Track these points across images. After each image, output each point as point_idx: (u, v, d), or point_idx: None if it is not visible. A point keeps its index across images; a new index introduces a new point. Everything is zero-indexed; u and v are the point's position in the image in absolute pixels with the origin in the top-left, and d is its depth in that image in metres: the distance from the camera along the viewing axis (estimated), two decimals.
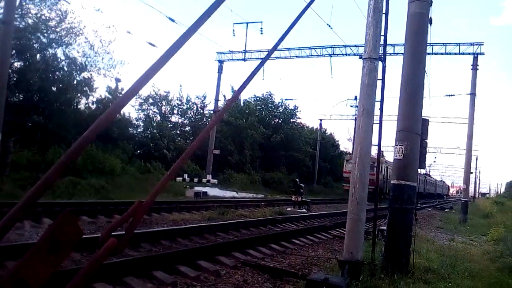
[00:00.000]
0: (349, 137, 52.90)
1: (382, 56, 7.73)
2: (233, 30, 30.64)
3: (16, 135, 21.01)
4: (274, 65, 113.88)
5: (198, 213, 15.06)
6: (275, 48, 2.01)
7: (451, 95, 37.74)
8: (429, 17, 8.00)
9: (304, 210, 20.03)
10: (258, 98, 50.38)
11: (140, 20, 73.52)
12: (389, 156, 41.87)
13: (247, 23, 29.95)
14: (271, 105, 51.09)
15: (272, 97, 51.06)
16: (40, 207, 12.08)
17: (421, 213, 26.40)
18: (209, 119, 39.69)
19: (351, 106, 45.34)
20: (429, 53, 8.84)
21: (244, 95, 47.68)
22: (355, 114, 46.53)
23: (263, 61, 1.84)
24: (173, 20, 22.64)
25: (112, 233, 1.11)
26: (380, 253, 7.83)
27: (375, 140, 7.77)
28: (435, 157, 70.30)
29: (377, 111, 7.59)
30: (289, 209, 19.81)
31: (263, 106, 50.55)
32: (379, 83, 7.53)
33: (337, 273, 6.97)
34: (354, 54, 29.54)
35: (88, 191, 18.09)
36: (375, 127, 7.53)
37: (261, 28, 29.23)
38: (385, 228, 8.85)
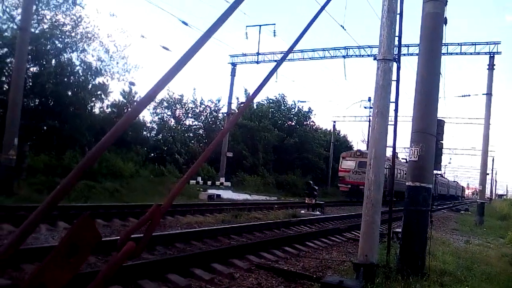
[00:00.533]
0: (363, 139, 52.63)
1: (397, 57, 7.67)
2: (246, 33, 30.75)
3: (31, 139, 21.26)
4: (287, 67, 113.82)
5: (212, 216, 15.08)
6: (289, 51, 2.01)
7: (467, 96, 37.33)
8: (444, 17, 7.92)
9: (318, 212, 19.95)
10: (271, 100, 50.38)
11: (154, 24, 74.04)
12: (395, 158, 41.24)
13: (260, 25, 30.01)
14: (284, 107, 51.04)
15: (285, 99, 51.04)
16: (55, 211, 12.22)
17: (436, 215, 26.14)
18: (223, 122, 39.77)
19: (365, 107, 45.13)
20: (444, 53, 8.76)
21: (257, 98, 47.69)
22: (369, 116, 46.20)
23: (277, 65, 1.84)
24: (186, 24, 22.78)
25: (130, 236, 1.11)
26: (395, 256, 7.76)
27: (389, 141, 7.72)
28: (450, 158, 69.55)
29: (391, 112, 7.54)
30: (303, 211, 19.74)
31: (276, 108, 50.52)
32: (393, 84, 7.48)
33: (352, 276, 6.93)
34: (368, 55, 29.39)
35: (103, 195, 18.23)
36: (390, 129, 7.48)
37: (274, 31, 29.28)
38: (399, 230, 8.78)
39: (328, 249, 11.07)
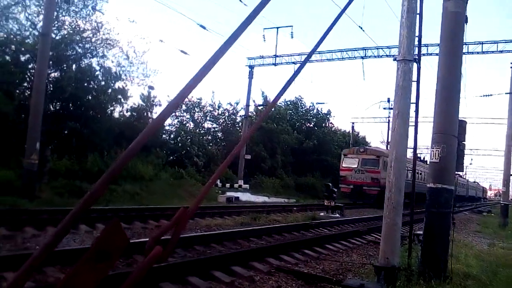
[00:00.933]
0: (382, 140, 52.13)
1: (417, 57, 7.59)
2: (263, 35, 30.76)
3: (53, 143, 21.59)
4: (305, 69, 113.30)
5: (231, 218, 15.12)
6: (310, 55, 2.00)
7: (489, 95, 36.64)
8: (465, 15, 7.80)
9: (337, 215, 19.82)
10: (288, 103, 50.31)
11: (172, 29, 74.68)
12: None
13: (277, 27, 30.03)
14: (301, 109, 50.91)
15: (302, 101, 50.92)
16: None
17: (457, 216, 25.72)
18: (240, 124, 39.86)
19: (384, 108, 44.72)
20: (464, 53, 8.63)
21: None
22: (388, 117, 45.72)
23: (298, 69, 1.83)
24: (204, 27, 22.91)
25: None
26: (417, 259, 7.65)
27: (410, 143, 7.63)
28: (471, 159, 68.32)
29: (412, 113, 7.45)
30: (322, 214, 19.64)
31: (293, 110, 50.42)
32: (413, 84, 7.40)
33: (373, 279, 6.86)
34: (387, 56, 29.15)
35: (123, 198, 18.41)
36: (410, 130, 7.40)
37: (291, 32, 29.38)
38: (420, 232, 8.66)
39: (348, 251, 10.98)
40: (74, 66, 24.44)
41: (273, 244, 10.27)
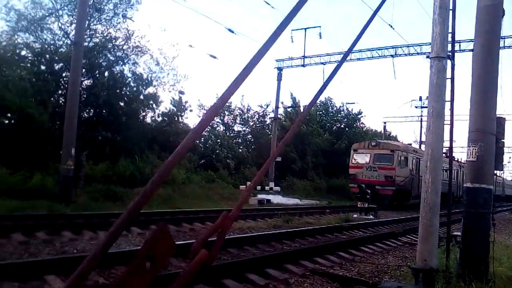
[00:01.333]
0: (415, 139, 51.19)
1: (451, 54, 7.40)
2: (291, 36, 30.69)
3: (87, 149, 22.08)
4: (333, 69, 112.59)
5: (263, 221, 15.10)
6: (345, 57, 1.97)
7: None
8: (502, 9, 7.56)
9: (371, 216, 19.55)
10: (318, 104, 49.99)
11: (201, 33, 75.42)
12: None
13: (305, 28, 29.92)
14: (331, 110, 50.52)
15: (332, 101, 50.53)
16: (112, 218, 12.61)
17: (497, 217, 24.95)
18: (270, 126, 39.87)
19: (416, 107, 43.98)
20: (501, 47, 8.37)
21: (304, 101, 47.49)
22: (421, 115, 44.90)
23: (336, 69, 1.80)
24: (232, 31, 23.03)
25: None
26: (455, 260, 7.45)
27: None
28: (510, 157, 66.12)
29: (447, 112, 7.27)
30: (355, 215, 19.40)
31: (323, 111, 50.09)
32: (448, 82, 7.22)
33: (410, 281, 6.72)
34: (418, 54, 28.62)
35: (157, 201, 18.64)
36: (446, 129, 7.22)
37: (320, 33, 29.10)
38: (458, 233, 8.44)
39: (384, 253, 10.80)
40: (106, 73, 25.00)
41: (307, 246, 10.21)
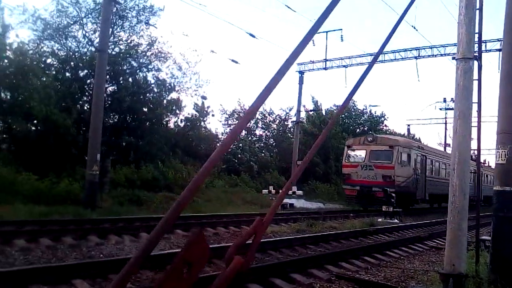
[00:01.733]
0: (440, 142, 50.34)
1: (477, 55, 7.25)
2: (313, 40, 30.54)
3: (112, 154, 22.40)
4: (356, 72, 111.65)
5: (286, 225, 15.05)
6: (374, 61, 1.94)
7: None
8: None
9: (396, 220, 19.27)
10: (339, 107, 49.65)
11: (223, 38, 75.90)
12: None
13: (326, 32, 29.74)
14: (354, 113, 50.14)
15: (355, 104, 50.14)
16: (137, 222, 12.76)
17: None
18: (292, 130, 39.79)
19: (440, 109, 43.31)
20: None
21: (326, 105, 47.29)
22: (445, 117, 44.22)
23: (366, 71, 1.77)
24: (253, 36, 23.08)
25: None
26: (485, 265, 7.27)
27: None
28: None
29: (474, 113, 7.12)
30: (380, 219, 19.14)
31: (346, 114, 49.77)
32: (475, 83, 7.07)
33: (438, 287, 6.59)
34: (441, 55, 28.16)
35: None
36: (473, 131, 7.06)
37: (341, 36, 28.91)
38: (487, 238, 8.24)
39: (410, 258, 10.64)
40: (130, 79, 25.34)
41: (332, 251, 10.12)
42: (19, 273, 6.08)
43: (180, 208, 0.96)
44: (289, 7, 24.46)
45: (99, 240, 9.94)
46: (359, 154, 25.06)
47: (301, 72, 33.37)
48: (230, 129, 38.61)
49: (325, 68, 31.56)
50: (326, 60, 30.99)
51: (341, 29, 29.42)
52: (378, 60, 29.65)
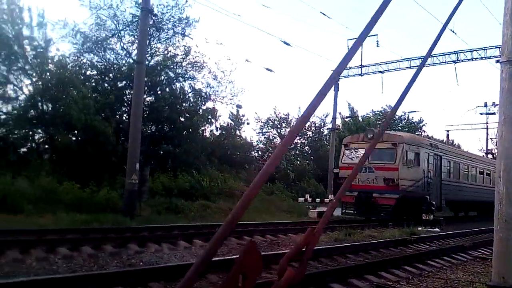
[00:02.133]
0: (481, 148, 48.84)
1: None
2: (348, 46, 30.37)
3: (150, 163, 22.80)
4: (393, 77, 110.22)
5: (324, 234, 14.83)
6: (423, 63, 1.88)
7: None
8: None
9: (436, 229, 18.72)
10: (377, 113, 49.01)
11: (257, 47, 76.25)
12: None
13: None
14: (391, 119, 49.30)
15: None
16: (176, 230, 12.88)
17: None
18: (328, 137, 39.48)
19: (481, 113, 42.03)
20: None
21: (362, 111, 46.73)
22: (486, 122, 42.87)
23: (415, 75, 1.72)
24: (288, 44, 23.09)
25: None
26: None
27: None
28: None
29: None
30: (420, 228, 18.63)
31: (383, 120, 48.99)
32: None
33: None
34: (482, 58, 27.38)
35: (218, 214, 18.91)
36: None
37: (377, 41, 28.57)
38: None
39: (453, 268, 10.28)
40: (167, 89, 25.80)
41: (372, 260, 9.91)
42: (63, 280, 6.22)
43: (235, 221, 0.93)
44: (324, 14, 24.40)
45: (138, 248, 10.07)
46: (358, 154, 21.34)
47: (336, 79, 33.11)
48: (264, 137, 38.68)
49: (361, 74, 31.21)
50: (361, 66, 30.65)
51: (377, 35, 29.08)
52: (415, 66, 29.17)
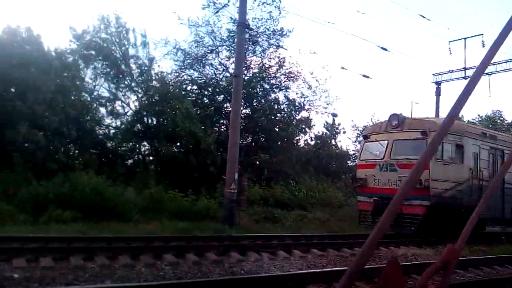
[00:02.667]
0: None
1: None
2: (449, 48, 28.83)
3: (247, 173, 23.28)
4: (502, 79, 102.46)
5: (429, 248, 13.87)
6: None
7: None
8: None
9: None
10: (483, 118, 45.78)
11: (353, 54, 75.07)
12: None
13: (464, 38, 27.83)
14: (501, 124, 45.77)
15: (501, 115, 45.82)
16: (274, 240, 12.96)
17: None
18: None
19: None
20: None
21: (468, 116, 43.88)
22: None
23: None
24: (385, 49, 22.43)
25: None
26: None
27: None
28: None
29: None
30: None
31: (490, 126, 45.66)
32: None
33: None
34: None
35: (314, 224, 18.73)
36: None
37: (482, 41, 26.78)
38: None
39: None
40: (263, 101, 26.26)
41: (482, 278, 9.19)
42: (171, 286, 6.50)
43: (382, 231, 0.88)
44: (423, 17, 23.36)
45: (239, 257, 10.25)
46: (379, 147, 16.44)
47: (438, 83, 31.52)
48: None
49: (465, 77, 29.35)
50: (465, 68, 28.89)
51: (482, 34, 27.30)
52: None
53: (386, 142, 15.92)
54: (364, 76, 24.49)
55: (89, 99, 22.50)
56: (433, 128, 14.56)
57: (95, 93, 23.15)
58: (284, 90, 27.22)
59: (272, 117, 25.86)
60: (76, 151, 20.62)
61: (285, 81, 27.10)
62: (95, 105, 22.65)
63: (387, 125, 16.25)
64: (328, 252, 11.81)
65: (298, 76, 27.12)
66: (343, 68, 38.89)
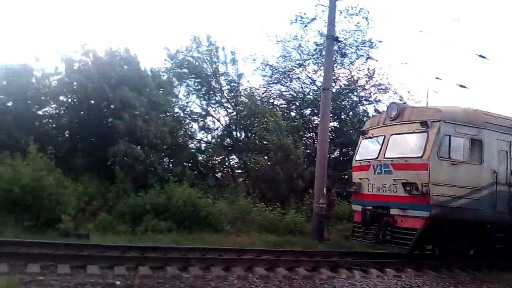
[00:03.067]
0: None
1: None
2: None
3: (335, 187, 22.92)
4: None
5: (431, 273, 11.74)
6: None
7: None
8: None
9: None
10: None
11: (449, 63, 71.31)
12: None
13: None
14: None
15: None
16: (366, 257, 12.54)
17: None
18: None
19: None
20: None
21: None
22: None
23: None
24: (484, 57, 21.06)
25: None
26: None
27: None
28: None
29: None
30: None
31: None
32: None
33: None
34: None
35: None
36: None
37: None
38: None
39: None
40: (351, 113, 25.79)
41: None
42: None
43: None
44: None
45: (330, 273, 10.03)
46: (375, 144, 13.41)
47: None
48: None
49: None
50: None
51: None
52: None
53: (383, 137, 12.94)
54: (460, 86, 23.12)
55: (182, 114, 23.59)
56: (436, 117, 11.64)
57: (188, 109, 24.24)
58: (373, 102, 26.54)
59: (361, 129, 25.31)
60: (171, 165, 21.56)
61: (375, 93, 26.42)
62: (188, 120, 23.69)
63: (385, 117, 13.25)
64: (424, 272, 11.17)
65: (389, 88, 26.32)
66: (437, 78, 37.07)
